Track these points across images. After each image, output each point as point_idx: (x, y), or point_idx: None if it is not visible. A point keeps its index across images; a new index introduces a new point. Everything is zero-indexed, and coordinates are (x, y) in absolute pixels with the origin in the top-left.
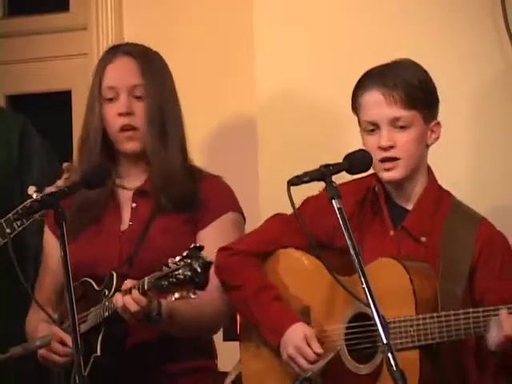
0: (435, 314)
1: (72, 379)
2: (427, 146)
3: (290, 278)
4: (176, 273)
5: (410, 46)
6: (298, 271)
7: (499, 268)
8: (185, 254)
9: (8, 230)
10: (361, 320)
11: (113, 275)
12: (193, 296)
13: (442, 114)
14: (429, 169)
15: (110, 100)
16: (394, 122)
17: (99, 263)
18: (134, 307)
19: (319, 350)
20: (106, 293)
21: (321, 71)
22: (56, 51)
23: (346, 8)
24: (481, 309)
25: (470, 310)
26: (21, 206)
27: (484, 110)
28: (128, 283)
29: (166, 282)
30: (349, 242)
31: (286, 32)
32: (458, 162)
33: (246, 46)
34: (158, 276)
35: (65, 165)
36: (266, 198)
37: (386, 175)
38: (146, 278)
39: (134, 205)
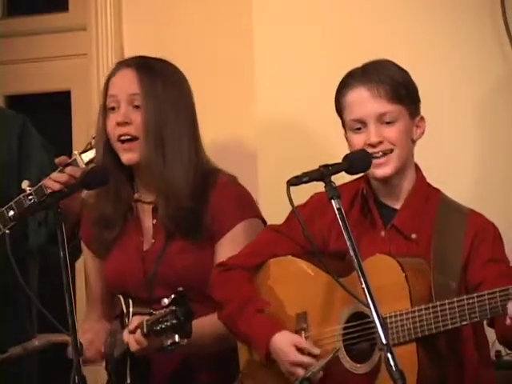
0: (430, 305)
1: (72, 379)
2: (413, 142)
3: (284, 285)
4: (165, 319)
5: (410, 48)
6: (292, 277)
7: (491, 251)
8: (172, 297)
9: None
10: (357, 319)
11: (129, 304)
12: (182, 342)
13: (444, 115)
14: (416, 166)
15: (113, 110)
16: (380, 118)
17: (129, 283)
18: (134, 347)
19: (316, 350)
20: (126, 321)
21: (321, 72)
22: (55, 51)
23: (345, 10)
24: (475, 295)
25: (464, 297)
26: (15, 200)
27: (485, 111)
28: (134, 321)
29: (159, 328)
30: (348, 243)
31: (285, 35)
32: (459, 163)
33: (246, 43)
34: (152, 320)
35: (58, 159)
36: (265, 198)
37: (377, 172)
38: (145, 321)
39: (154, 221)
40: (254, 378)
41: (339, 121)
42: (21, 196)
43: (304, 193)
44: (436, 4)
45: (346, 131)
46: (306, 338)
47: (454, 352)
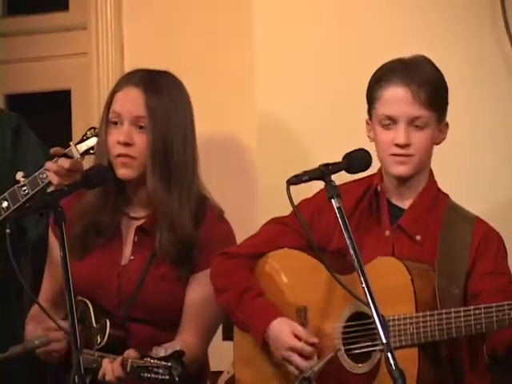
0: (435, 312)
1: (71, 379)
2: (434, 146)
3: (285, 278)
4: (155, 370)
5: (408, 47)
6: (293, 271)
7: (493, 263)
8: (168, 353)
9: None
10: (358, 319)
11: (106, 324)
12: None
13: None
14: (430, 170)
15: (115, 124)
16: (412, 121)
17: (99, 292)
18: (109, 376)
19: (313, 339)
20: (99, 340)
21: (320, 72)
22: (55, 50)
23: (345, 10)
24: (482, 306)
25: (471, 307)
26: (9, 191)
27: (485, 111)
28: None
29: (146, 375)
30: (348, 242)
31: (285, 34)
32: (456, 165)
33: (246, 42)
34: (139, 364)
35: (53, 149)
36: (265, 197)
37: (396, 169)
38: (130, 360)
39: (136, 239)
40: (248, 364)
41: (338, 120)
42: (15, 187)
43: (304, 192)
44: (436, 4)
45: (370, 118)
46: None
47: (452, 361)
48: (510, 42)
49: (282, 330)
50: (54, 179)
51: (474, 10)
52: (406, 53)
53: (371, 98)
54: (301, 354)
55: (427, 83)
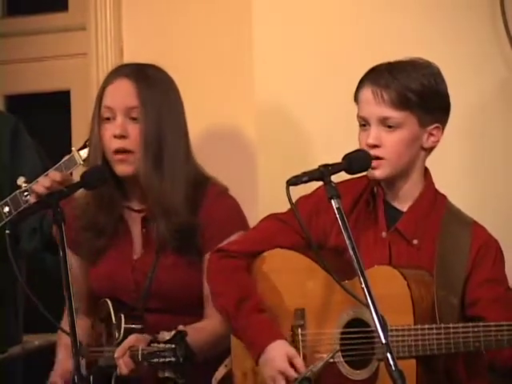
0: (434, 326)
1: (71, 379)
2: (424, 149)
3: (283, 279)
4: (163, 354)
5: (408, 47)
6: (291, 272)
7: (491, 270)
8: (172, 334)
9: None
10: (356, 326)
11: (121, 319)
12: (181, 382)
13: None
14: (427, 172)
15: (108, 120)
16: (382, 121)
17: (119, 291)
18: (124, 371)
19: (303, 369)
20: (116, 335)
21: (319, 66)
22: (55, 51)
23: (344, 9)
24: (481, 324)
25: (470, 324)
26: (10, 196)
27: (484, 112)
28: (127, 344)
29: (155, 360)
30: (348, 242)
31: (284, 29)
32: (453, 168)
33: (245, 43)
34: (148, 351)
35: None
36: (264, 197)
37: (369, 173)
38: (140, 349)
39: (144, 230)
40: (245, 360)
41: (338, 114)
42: (16, 192)
43: (304, 191)
44: (435, 4)
45: None
46: (304, 335)
47: (449, 370)
48: (509, 42)
49: (279, 353)
50: (47, 183)
51: (473, 10)
52: (407, 53)
53: (356, 101)
54: (287, 380)
55: (394, 84)
